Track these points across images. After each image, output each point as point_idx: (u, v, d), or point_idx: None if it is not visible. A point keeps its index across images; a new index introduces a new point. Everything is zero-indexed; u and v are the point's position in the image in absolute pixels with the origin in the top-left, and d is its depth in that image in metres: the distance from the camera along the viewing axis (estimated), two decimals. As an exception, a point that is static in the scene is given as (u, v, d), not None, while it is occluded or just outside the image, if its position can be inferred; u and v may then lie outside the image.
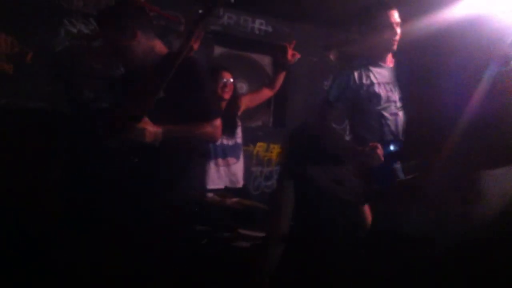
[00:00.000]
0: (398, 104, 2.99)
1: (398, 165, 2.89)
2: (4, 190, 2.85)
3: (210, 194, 3.49)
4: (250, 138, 4.88)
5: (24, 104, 3.69)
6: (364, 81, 2.97)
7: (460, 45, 4.23)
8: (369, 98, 2.95)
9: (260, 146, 5.13)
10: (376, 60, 3.04)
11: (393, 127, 2.95)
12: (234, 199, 3.44)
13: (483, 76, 4.16)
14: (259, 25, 5.06)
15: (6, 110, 3.60)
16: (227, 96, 3.75)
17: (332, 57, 5.14)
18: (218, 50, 4.98)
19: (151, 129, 2.42)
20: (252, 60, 5.20)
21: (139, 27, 2.54)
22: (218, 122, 2.63)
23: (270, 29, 5.10)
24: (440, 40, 4.33)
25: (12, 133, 3.06)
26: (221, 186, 3.73)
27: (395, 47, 2.99)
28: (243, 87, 5.04)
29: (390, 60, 3.07)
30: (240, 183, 3.87)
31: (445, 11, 3.85)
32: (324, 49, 5.16)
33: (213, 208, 3.31)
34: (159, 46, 2.64)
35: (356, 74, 2.97)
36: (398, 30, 2.96)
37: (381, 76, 3.00)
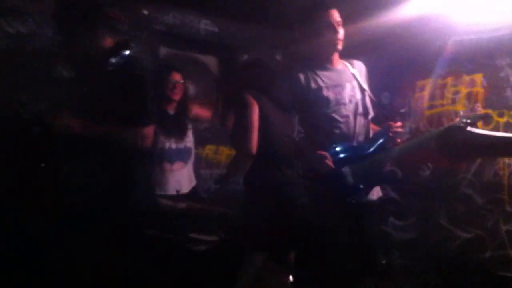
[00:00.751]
0: (350, 105, 2.96)
1: (347, 169, 2.85)
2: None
3: (161, 199, 3.41)
4: (199, 140, 4.80)
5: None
6: (311, 85, 2.93)
7: (406, 43, 4.35)
8: (318, 102, 2.91)
9: (209, 149, 5.05)
10: (323, 62, 2.99)
11: (345, 130, 2.91)
12: (183, 204, 3.37)
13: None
14: (204, 25, 4.99)
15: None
16: (176, 97, 3.67)
17: (278, 57, 5.13)
18: (163, 51, 4.88)
19: None
20: (199, 60, 5.11)
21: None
22: (148, 130, 2.56)
23: (216, 29, 5.04)
24: (387, 40, 4.42)
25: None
26: (169, 191, 3.64)
27: (339, 47, 2.94)
28: (189, 88, 4.94)
29: (337, 61, 3.03)
30: (187, 188, 3.79)
31: (392, 11, 3.94)
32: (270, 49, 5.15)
33: (163, 213, 3.24)
34: None
35: (302, 78, 2.93)
36: (341, 30, 2.92)
37: (329, 80, 2.96)
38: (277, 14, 4.48)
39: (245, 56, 5.03)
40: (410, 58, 4.43)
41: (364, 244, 2.87)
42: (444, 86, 4.32)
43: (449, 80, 4.27)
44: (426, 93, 4.47)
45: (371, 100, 3.01)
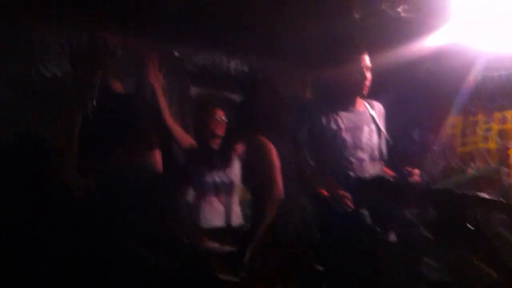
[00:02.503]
0: (366, 149, 2.94)
1: (365, 212, 2.80)
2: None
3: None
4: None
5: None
6: (331, 125, 2.93)
7: (438, 79, 4.32)
8: (335, 144, 2.91)
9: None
10: (345, 103, 3.00)
11: (358, 173, 2.89)
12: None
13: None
14: (234, 65, 5.06)
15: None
16: (220, 132, 3.73)
17: (308, 95, 5.15)
18: (194, 91, 4.96)
19: None
20: (230, 99, 5.17)
21: None
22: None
23: (246, 68, 5.10)
24: (418, 75, 4.41)
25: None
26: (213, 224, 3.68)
27: (365, 92, 2.96)
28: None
29: (359, 103, 3.03)
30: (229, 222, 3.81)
31: (418, 41, 3.94)
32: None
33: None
34: None
35: (324, 119, 2.93)
36: (369, 75, 2.93)
37: (349, 121, 2.97)
38: (306, 52, 4.54)
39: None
40: (441, 93, 4.39)
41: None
42: (475, 123, 4.26)
43: (480, 116, 4.21)
44: (458, 131, 4.41)
45: (388, 143, 3.00)
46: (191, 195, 3.47)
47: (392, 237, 2.90)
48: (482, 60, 4.09)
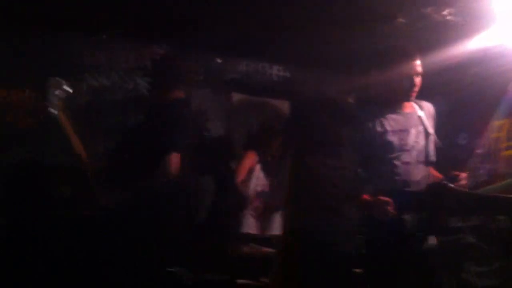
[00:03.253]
0: (413, 152, 2.93)
1: (407, 217, 2.77)
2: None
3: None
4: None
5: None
6: (377, 128, 2.91)
7: (484, 82, 4.30)
8: (381, 147, 2.90)
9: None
10: (393, 107, 2.99)
11: (405, 177, 2.87)
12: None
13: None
14: (277, 71, 5.11)
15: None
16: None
17: (351, 100, 5.15)
18: (236, 97, 5.02)
19: None
20: (273, 105, 5.22)
21: None
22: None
23: (288, 74, 5.15)
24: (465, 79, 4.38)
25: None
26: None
27: (413, 97, 2.94)
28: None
29: (408, 105, 3.01)
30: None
31: (464, 44, 3.93)
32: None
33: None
34: None
35: (370, 122, 2.94)
36: (418, 80, 2.92)
37: (396, 123, 2.92)
38: (348, 58, 4.56)
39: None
40: (487, 97, 4.36)
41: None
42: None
43: (526, 120, 4.17)
44: (504, 134, 4.36)
45: (436, 145, 2.97)
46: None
47: (432, 241, 2.87)
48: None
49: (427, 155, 2.92)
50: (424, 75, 2.92)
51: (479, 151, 4.34)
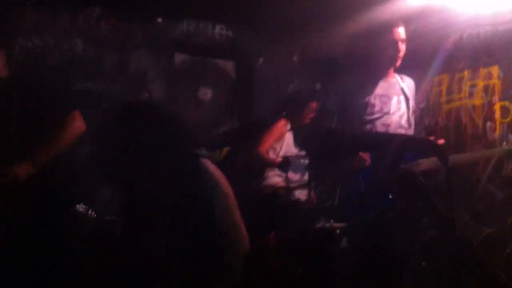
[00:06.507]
0: (393, 117, 3.04)
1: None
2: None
3: None
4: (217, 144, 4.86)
5: None
6: (361, 91, 3.01)
7: (423, 39, 4.34)
8: (363, 108, 3.03)
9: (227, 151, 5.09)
10: (378, 73, 3.08)
11: None
12: None
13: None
14: (219, 30, 5.04)
15: None
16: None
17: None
18: (179, 58, 4.94)
19: None
20: (216, 65, 5.16)
21: None
22: None
23: (231, 34, 5.08)
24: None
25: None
26: None
27: (398, 63, 3.06)
28: (208, 93, 5.00)
29: (391, 75, 3.12)
30: None
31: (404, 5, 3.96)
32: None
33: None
34: None
35: (353, 86, 3.08)
36: (403, 47, 3.00)
37: (379, 88, 3.08)
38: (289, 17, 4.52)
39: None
40: (427, 53, 4.42)
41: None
42: (461, 80, 4.30)
43: (466, 73, 4.24)
44: (444, 88, 4.46)
45: (415, 117, 3.10)
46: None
47: None
48: (464, 18, 4.11)
49: (407, 122, 3.06)
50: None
51: (420, 105, 4.43)
